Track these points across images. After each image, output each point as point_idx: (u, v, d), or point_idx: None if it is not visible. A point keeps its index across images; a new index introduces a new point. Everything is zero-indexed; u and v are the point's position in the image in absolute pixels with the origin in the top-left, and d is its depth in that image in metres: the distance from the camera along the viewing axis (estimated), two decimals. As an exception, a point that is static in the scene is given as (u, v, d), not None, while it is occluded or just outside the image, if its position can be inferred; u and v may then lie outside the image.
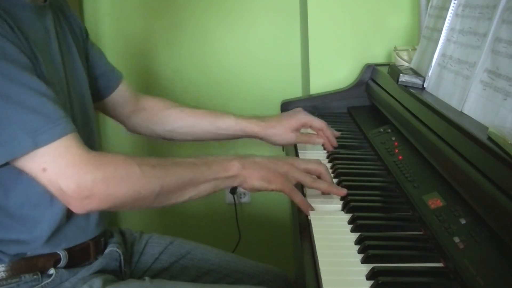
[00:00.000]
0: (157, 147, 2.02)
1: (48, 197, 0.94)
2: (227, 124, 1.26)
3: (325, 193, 1.00)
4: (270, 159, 1.00)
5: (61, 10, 1.07)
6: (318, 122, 1.25)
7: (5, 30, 0.84)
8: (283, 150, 1.44)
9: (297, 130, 1.25)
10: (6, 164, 0.83)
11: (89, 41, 1.18)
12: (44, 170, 0.82)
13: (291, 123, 1.24)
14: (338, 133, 1.27)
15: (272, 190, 0.98)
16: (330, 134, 1.24)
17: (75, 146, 0.84)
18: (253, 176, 0.96)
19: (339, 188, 1.00)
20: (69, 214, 0.98)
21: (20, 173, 0.88)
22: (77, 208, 0.85)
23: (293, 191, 0.96)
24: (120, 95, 1.24)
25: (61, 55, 0.99)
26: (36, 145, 0.81)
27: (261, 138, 1.27)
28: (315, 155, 1.27)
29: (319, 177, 1.01)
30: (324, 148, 1.28)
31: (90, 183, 0.83)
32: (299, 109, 1.30)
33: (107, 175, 0.84)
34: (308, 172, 1.00)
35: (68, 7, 1.12)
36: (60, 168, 0.83)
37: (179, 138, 1.32)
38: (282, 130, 1.24)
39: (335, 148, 1.25)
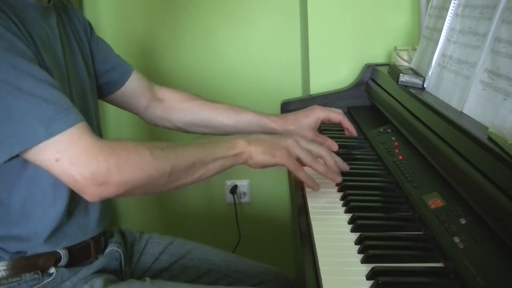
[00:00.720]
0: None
1: (50, 194, 0.95)
2: (247, 120, 1.26)
3: (323, 176, 1.02)
4: (274, 136, 1.03)
5: (65, 11, 1.08)
6: (336, 116, 1.23)
7: (12, 27, 0.86)
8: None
9: (315, 128, 1.25)
10: (15, 156, 0.83)
11: (95, 37, 1.18)
12: (57, 160, 0.83)
13: (309, 122, 1.24)
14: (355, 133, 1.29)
15: (275, 165, 1.00)
16: (349, 125, 1.24)
17: (86, 134, 0.85)
18: (258, 151, 0.98)
19: (336, 175, 1.01)
20: (69, 212, 0.99)
21: (23, 170, 0.89)
22: (92, 196, 0.86)
23: (297, 167, 0.98)
24: (134, 86, 1.24)
25: (63, 55, 1.00)
26: (50, 134, 0.82)
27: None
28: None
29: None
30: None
31: (105, 170, 0.84)
32: (315, 106, 1.28)
33: (121, 161, 0.86)
34: (310, 152, 1.01)
35: (73, 8, 1.13)
36: (74, 157, 0.83)
37: (196, 131, 1.32)
38: (300, 128, 1.23)
39: (354, 137, 1.27)
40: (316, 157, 1.02)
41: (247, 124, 1.26)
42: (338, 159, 1.05)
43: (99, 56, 1.18)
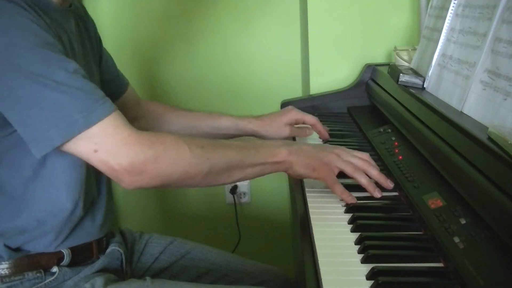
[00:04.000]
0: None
1: (63, 193, 0.96)
2: (225, 125, 1.29)
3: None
4: (316, 147, 1.02)
5: (81, 17, 1.10)
6: (310, 118, 1.29)
7: (43, 24, 0.87)
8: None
9: (290, 125, 1.29)
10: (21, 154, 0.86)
11: (102, 47, 1.20)
12: (96, 151, 0.84)
13: (285, 120, 1.29)
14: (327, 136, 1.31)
15: (315, 178, 1.00)
16: (321, 128, 1.30)
17: (122, 125, 0.87)
18: (299, 163, 0.98)
19: (377, 188, 0.98)
20: (79, 214, 0.99)
21: (40, 167, 0.91)
22: (128, 185, 0.87)
23: (335, 182, 0.97)
24: (126, 101, 1.25)
25: (80, 58, 1.01)
26: (89, 124, 0.83)
27: (257, 136, 1.30)
28: None
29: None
30: (323, 141, 1.31)
31: (142, 161, 0.86)
32: (290, 107, 1.33)
33: (158, 153, 0.87)
34: (352, 164, 1.00)
35: (87, 14, 1.14)
36: (112, 148, 0.85)
37: None
38: (276, 126, 1.28)
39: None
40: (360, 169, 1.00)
41: (225, 129, 1.29)
42: (382, 175, 1.01)
43: (102, 65, 1.19)
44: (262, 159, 0.97)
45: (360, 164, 1.00)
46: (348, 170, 0.99)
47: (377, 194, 0.98)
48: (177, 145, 0.89)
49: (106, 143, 0.85)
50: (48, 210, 0.96)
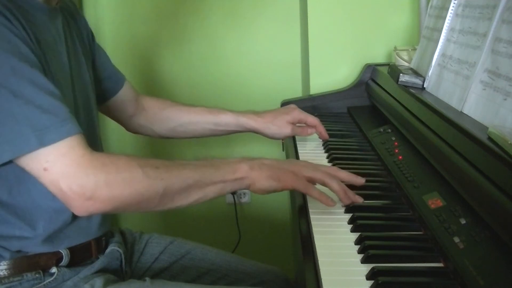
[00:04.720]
0: (159, 147, 2.03)
1: (51, 195, 0.94)
2: (226, 121, 1.28)
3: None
4: (279, 161, 0.98)
5: (71, 14, 1.09)
6: (312, 119, 1.29)
7: (18, 30, 0.85)
8: (282, 150, 1.44)
9: (293, 124, 1.29)
10: (9, 162, 0.83)
11: (96, 44, 1.19)
12: (46, 170, 0.82)
13: (287, 118, 1.28)
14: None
15: (283, 189, 0.96)
16: (322, 130, 1.30)
17: (78, 147, 0.84)
18: (261, 177, 0.94)
19: (347, 196, 0.95)
20: (72, 215, 0.98)
21: (24, 171, 0.89)
22: (79, 210, 0.84)
23: (308, 186, 0.93)
24: (124, 96, 1.25)
25: (68, 57, 1.00)
26: (42, 144, 0.81)
27: (258, 133, 1.30)
28: (314, 146, 1.30)
29: None
30: (322, 142, 1.32)
31: (92, 185, 0.82)
32: (293, 106, 1.33)
33: (110, 177, 0.84)
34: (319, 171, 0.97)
35: (77, 12, 1.13)
36: (62, 169, 0.82)
37: (178, 136, 1.34)
38: (279, 124, 1.28)
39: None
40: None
41: (226, 125, 1.28)
42: (351, 174, 0.99)
43: (97, 62, 1.18)
44: (222, 176, 0.92)
45: (328, 170, 0.97)
46: (318, 176, 0.95)
47: (346, 202, 0.95)
48: (130, 167, 0.85)
49: (57, 164, 0.81)
50: (44, 211, 0.95)
